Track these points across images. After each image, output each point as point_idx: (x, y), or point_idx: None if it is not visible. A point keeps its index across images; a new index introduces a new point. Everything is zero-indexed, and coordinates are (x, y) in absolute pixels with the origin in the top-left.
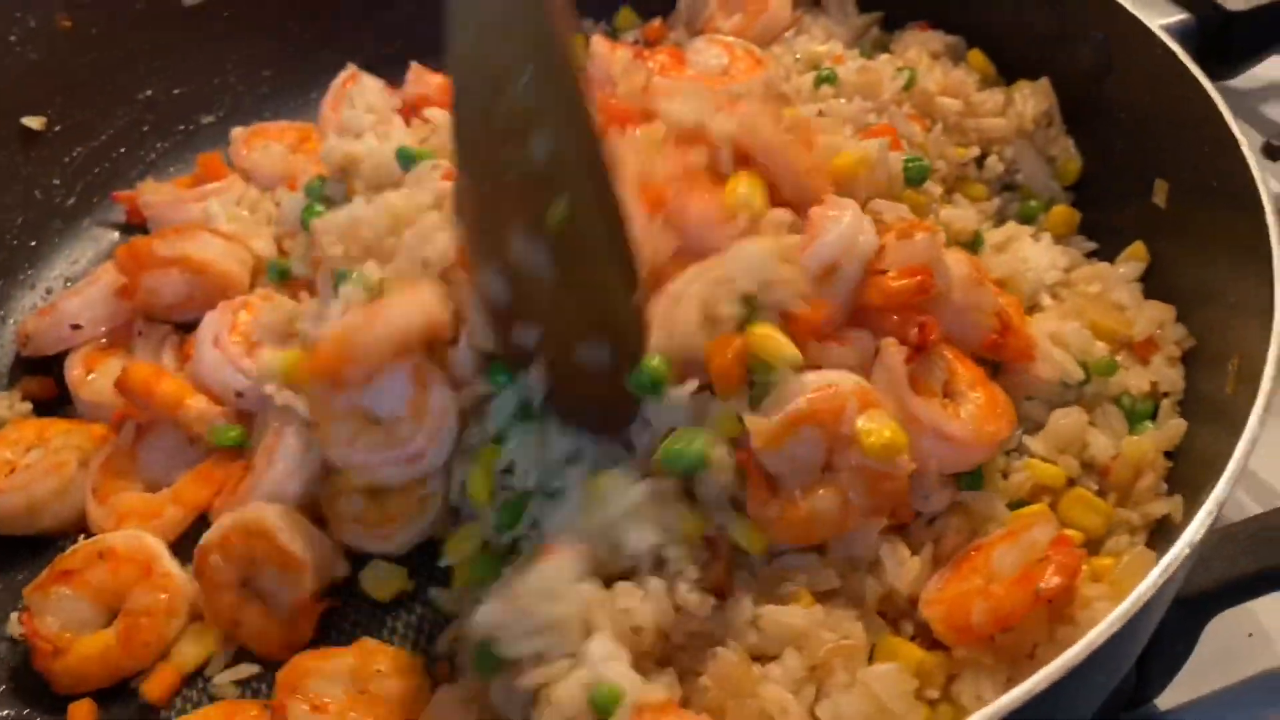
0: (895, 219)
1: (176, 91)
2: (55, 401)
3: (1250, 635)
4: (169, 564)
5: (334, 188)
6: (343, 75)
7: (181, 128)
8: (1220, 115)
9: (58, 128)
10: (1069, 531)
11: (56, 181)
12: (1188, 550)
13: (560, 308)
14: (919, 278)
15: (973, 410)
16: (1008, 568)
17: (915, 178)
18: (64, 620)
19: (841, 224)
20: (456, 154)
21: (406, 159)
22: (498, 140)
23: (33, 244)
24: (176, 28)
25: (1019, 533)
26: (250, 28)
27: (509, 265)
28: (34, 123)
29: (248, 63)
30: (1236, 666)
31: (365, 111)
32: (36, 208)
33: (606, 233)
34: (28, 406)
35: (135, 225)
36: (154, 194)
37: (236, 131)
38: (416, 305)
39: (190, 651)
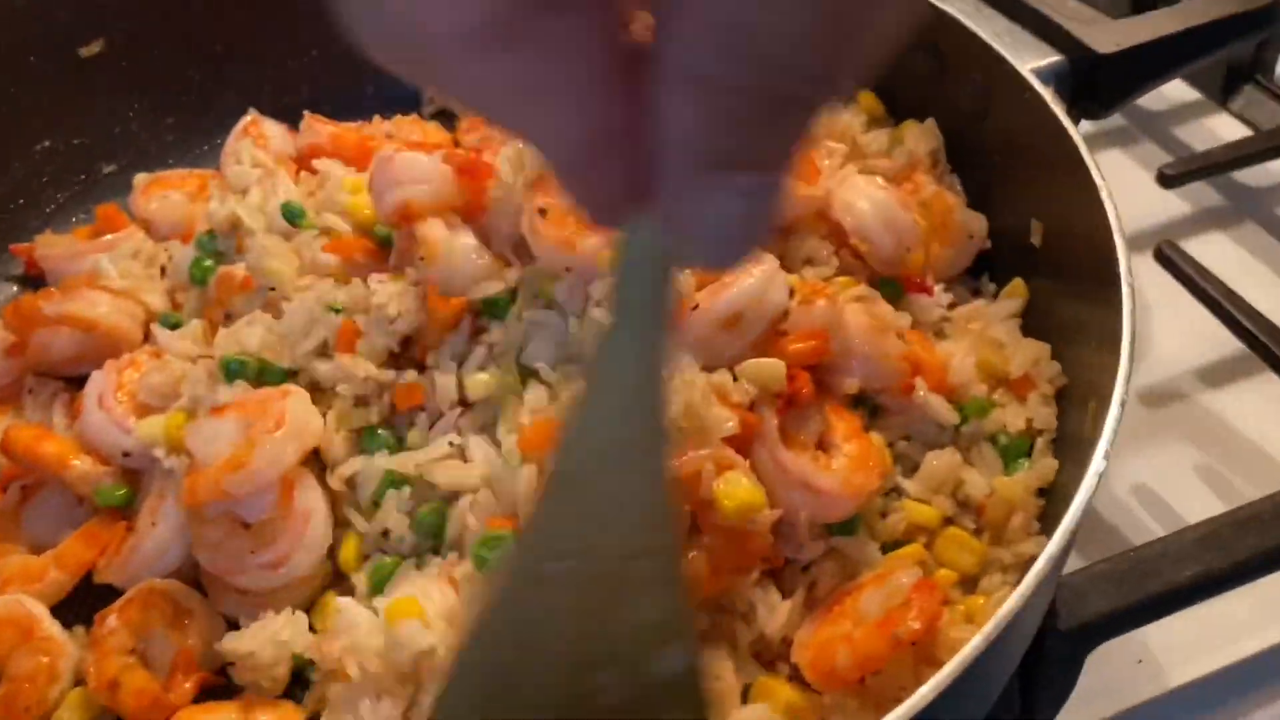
0: (798, 282)
1: (76, 142)
2: None
3: (1140, 662)
4: (50, 627)
5: (224, 242)
6: (244, 120)
7: (82, 177)
8: (1082, 157)
9: None
10: (943, 572)
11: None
12: (1030, 591)
13: None
14: (815, 343)
15: (844, 463)
16: (874, 611)
17: None
18: None
19: (753, 277)
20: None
21: (291, 214)
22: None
23: None
24: (73, 78)
25: (886, 576)
26: (151, 76)
27: None
28: None
29: (149, 111)
30: (1125, 694)
31: (251, 166)
32: None
33: None
34: None
35: (34, 278)
36: (50, 247)
37: (138, 180)
38: (293, 437)
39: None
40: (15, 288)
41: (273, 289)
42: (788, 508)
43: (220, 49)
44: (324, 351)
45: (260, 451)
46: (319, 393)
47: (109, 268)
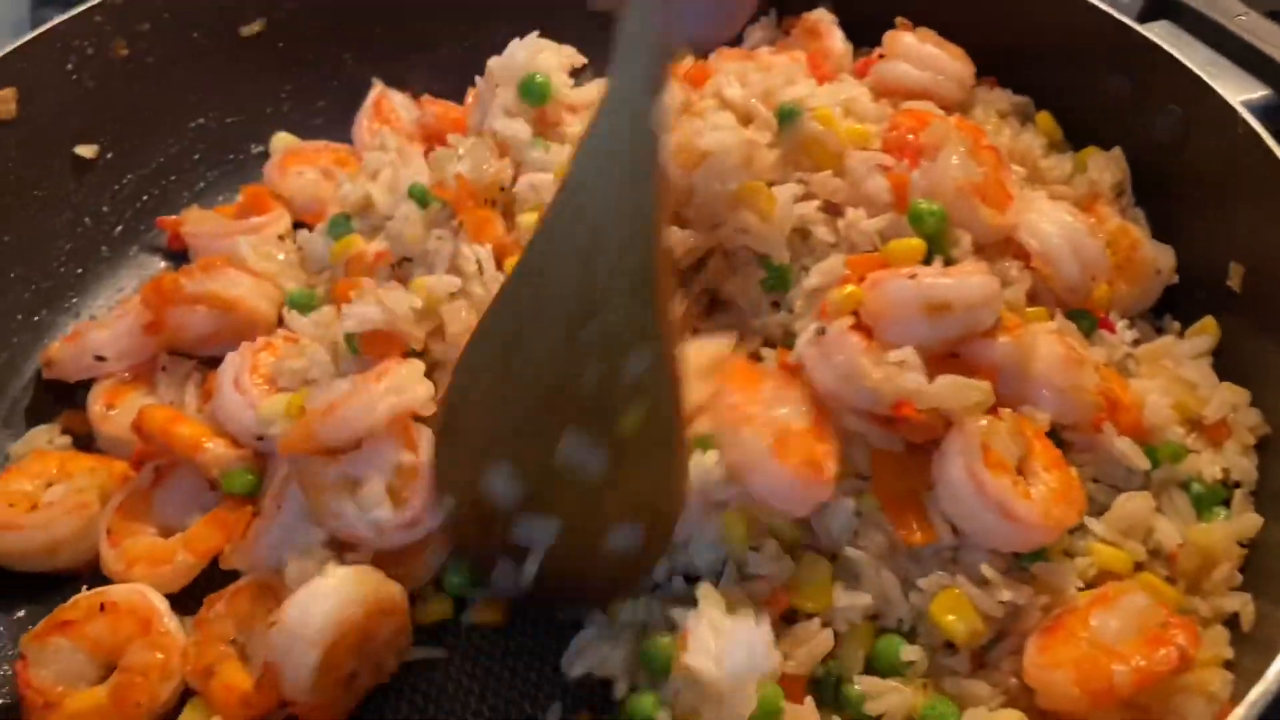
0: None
1: (229, 120)
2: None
3: None
4: (169, 623)
5: (357, 223)
6: (373, 94)
7: (232, 156)
8: None
9: (109, 155)
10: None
11: (105, 209)
12: None
13: (598, 501)
14: (986, 382)
15: (1043, 492)
16: (1113, 633)
17: None
18: (58, 672)
19: (977, 281)
20: (484, 350)
21: (420, 197)
22: (580, 354)
23: (79, 271)
24: (231, 57)
25: (1113, 599)
26: (306, 58)
27: (536, 464)
28: (86, 151)
29: (301, 92)
30: None
31: (384, 150)
32: (84, 235)
33: (672, 434)
34: (67, 440)
35: (178, 253)
36: (197, 223)
37: (275, 143)
38: (391, 391)
39: None
40: (163, 263)
41: (409, 259)
42: (972, 531)
43: (378, 32)
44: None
45: (353, 400)
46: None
47: (247, 251)
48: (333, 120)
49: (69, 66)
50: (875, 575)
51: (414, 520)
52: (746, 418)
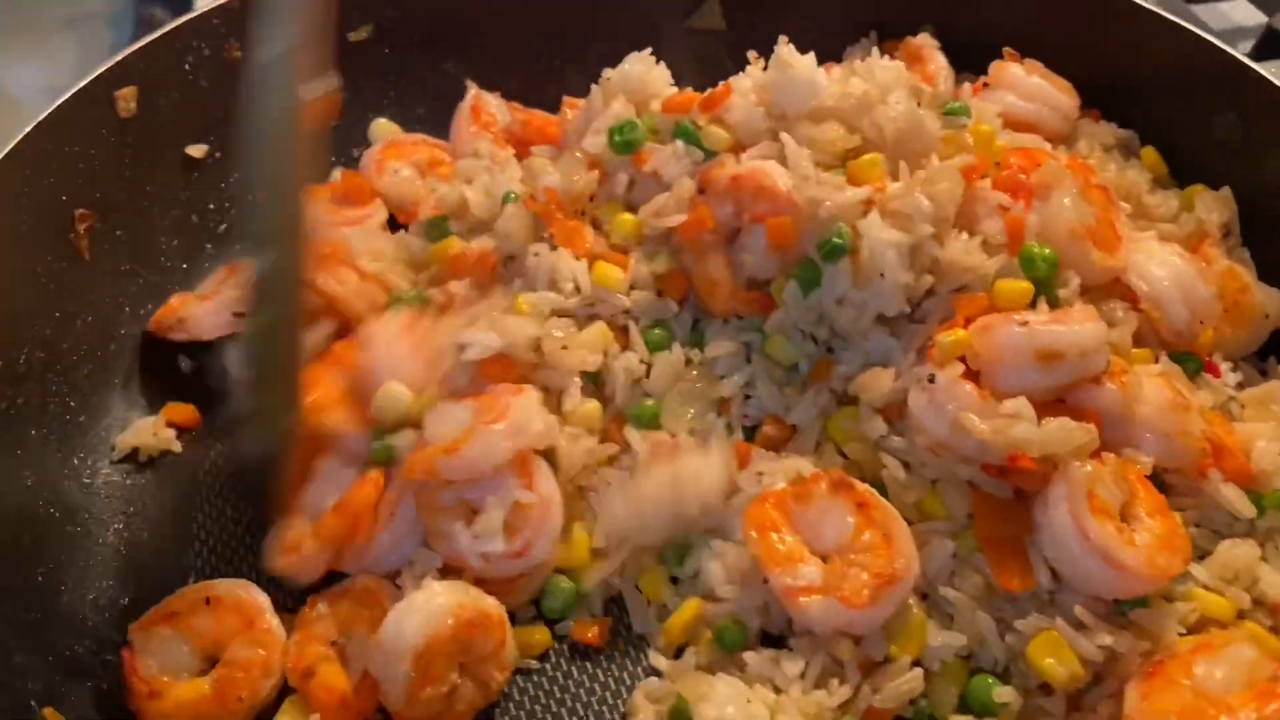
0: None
1: (333, 124)
2: (197, 430)
3: None
4: (271, 620)
5: (453, 225)
6: (470, 96)
7: (334, 159)
8: None
9: (217, 154)
10: None
11: (211, 207)
12: None
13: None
14: (1092, 425)
15: (1148, 539)
16: (1219, 683)
17: None
18: (163, 662)
19: (1089, 329)
20: None
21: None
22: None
23: (184, 266)
24: (337, 62)
25: (1218, 648)
26: (407, 65)
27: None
28: (196, 151)
29: (402, 98)
30: None
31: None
32: (191, 232)
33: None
34: (171, 433)
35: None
36: None
37: (374, 133)
38: (512, 434)
39: None
40: None
41: (513, 258)
42: (1074, 577)
43: (477, 42)
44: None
45: (476, 441)
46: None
47: (358, 245)
48: (431, 126)
49: (186, 67)
50: (970, 616)
51: (524, 553)
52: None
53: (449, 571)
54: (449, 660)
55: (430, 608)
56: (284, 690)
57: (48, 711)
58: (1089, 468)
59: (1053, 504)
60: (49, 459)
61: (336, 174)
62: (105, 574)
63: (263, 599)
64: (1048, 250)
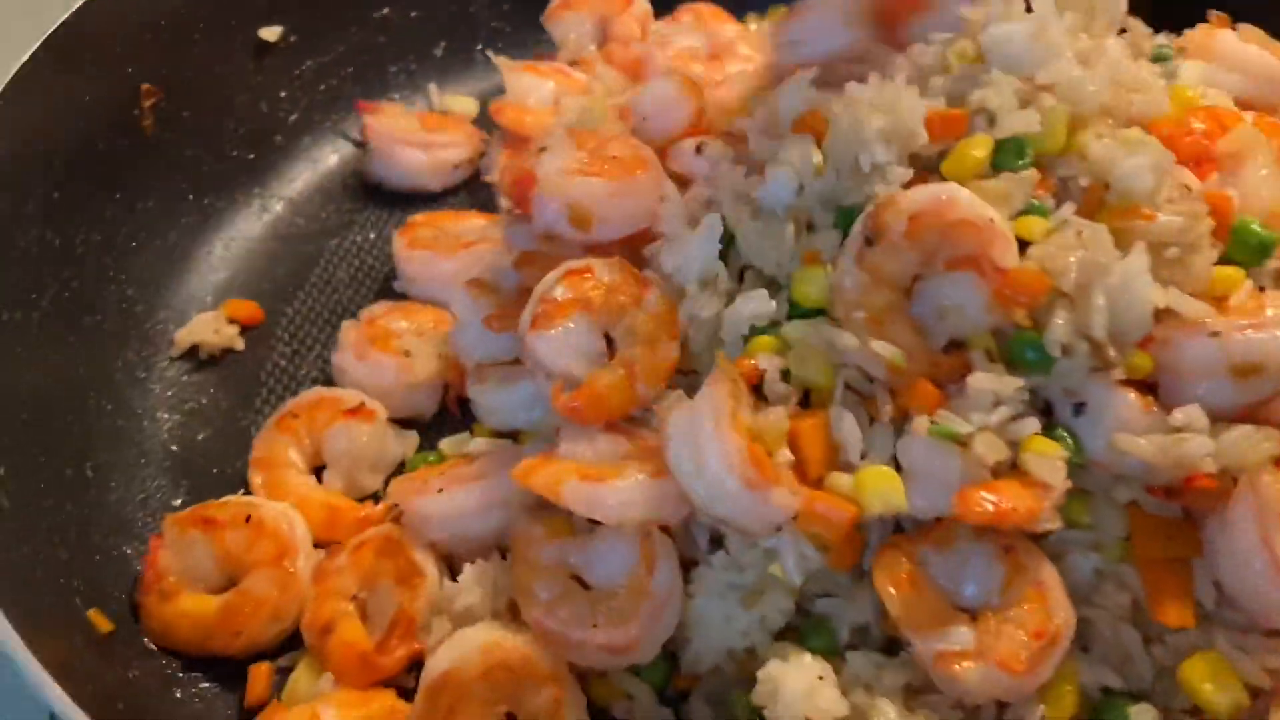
0: None
1: (413, 14)
2: (260, 328)
3: None
4: (301, 562)
5: None
6: None
7: (412, 55)
8: None
9: (292, 39)
10: None
11: (283, 94)
12: None
13: None
14: (1275, 430)
15: None
16: None
17: None
18: (186, 565)
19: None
20: None
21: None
22: None
23: (250, 156)
24: None
25: None
26: None
27: None
28: (269, 34)
29: None
30: None
31: None
32: (259, 119)
33: None
34: (233, 330)
35: (357, 144)
36: (384, 119)
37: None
38: (665, 499)
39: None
40: (335, 157)
41: None
42: (1256, 609)
43: None
44: None
45: (619, 485)
46: None
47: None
48: (518, 26)
49: None
50: (1113, 634)
51: (627, 646)
52: None
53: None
54: (484, 705)
55: (459, 641)
56: (294, 639)
57: (92, 613)
58: (1278, 479)
59: (1236, 525)
60: (103, 348)
61: None
62: (156, 473)
63: (302, 536)
64: (1270, 233)
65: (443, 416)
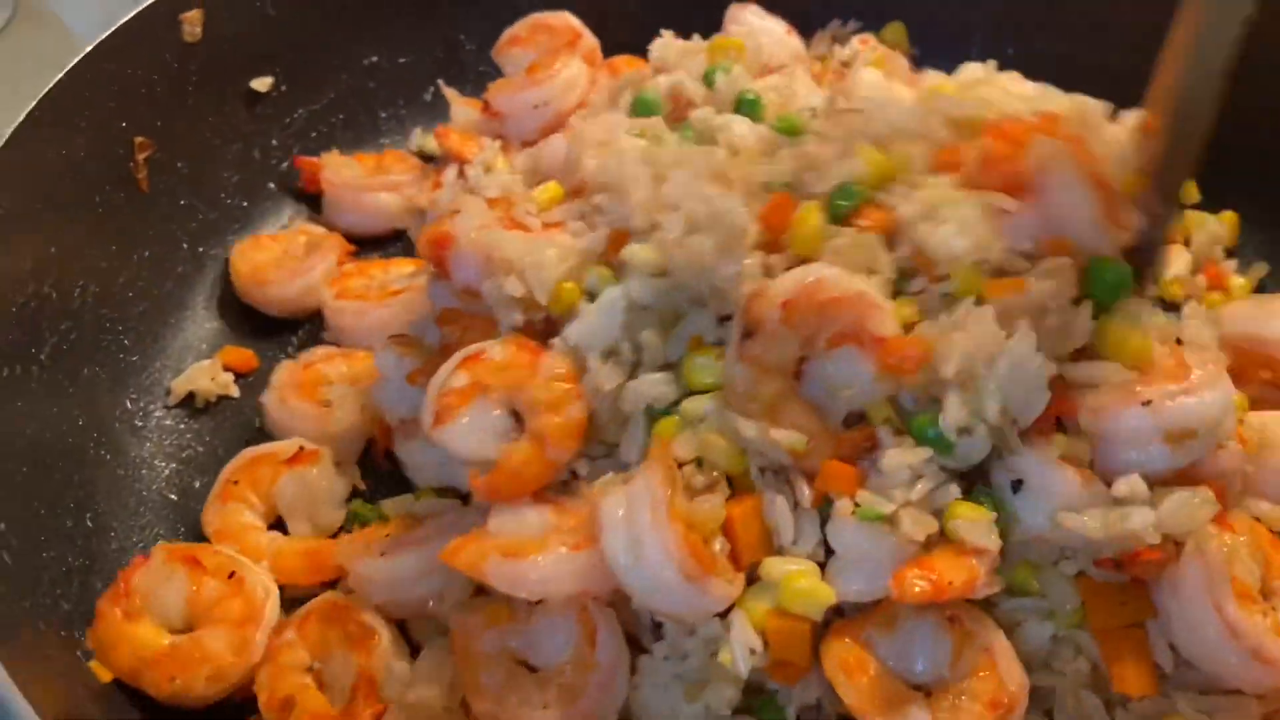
0: None
1: (401, 60)
2: (255, 376)
3: None
4: (259, 636)
5: None
6: None
7: (402, 100)
8: None
9: (283, 88)
10: None
11: (275, 143)
12: None
13: None
14: (1210, 491)
15: None
16: None
17: None
18: (155, 595)
19: (1219, 394)
20: None
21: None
22: None
23: (244, 204)
24: None
25: None
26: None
27: None
28: (260, 85)
29: (484, 34)
30: None
31: None
32: (253, 167)
33: None
34: (229, 378)
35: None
36: (335, 170)
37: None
38: (587, 570)
39: None
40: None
41: None
42: (1215, 673)
43: None
44: None
45: (542, 559)
46: None
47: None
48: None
49: None
50: (1074, 700)
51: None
52: None
53: None
54: None
55: None
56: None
57: (94, 665)
58: (1224, 542)
59: (1186, 592)
60: (101, 398)
61: None
62: (155, 521)
63: (271, 611)
64: (1116, 267)
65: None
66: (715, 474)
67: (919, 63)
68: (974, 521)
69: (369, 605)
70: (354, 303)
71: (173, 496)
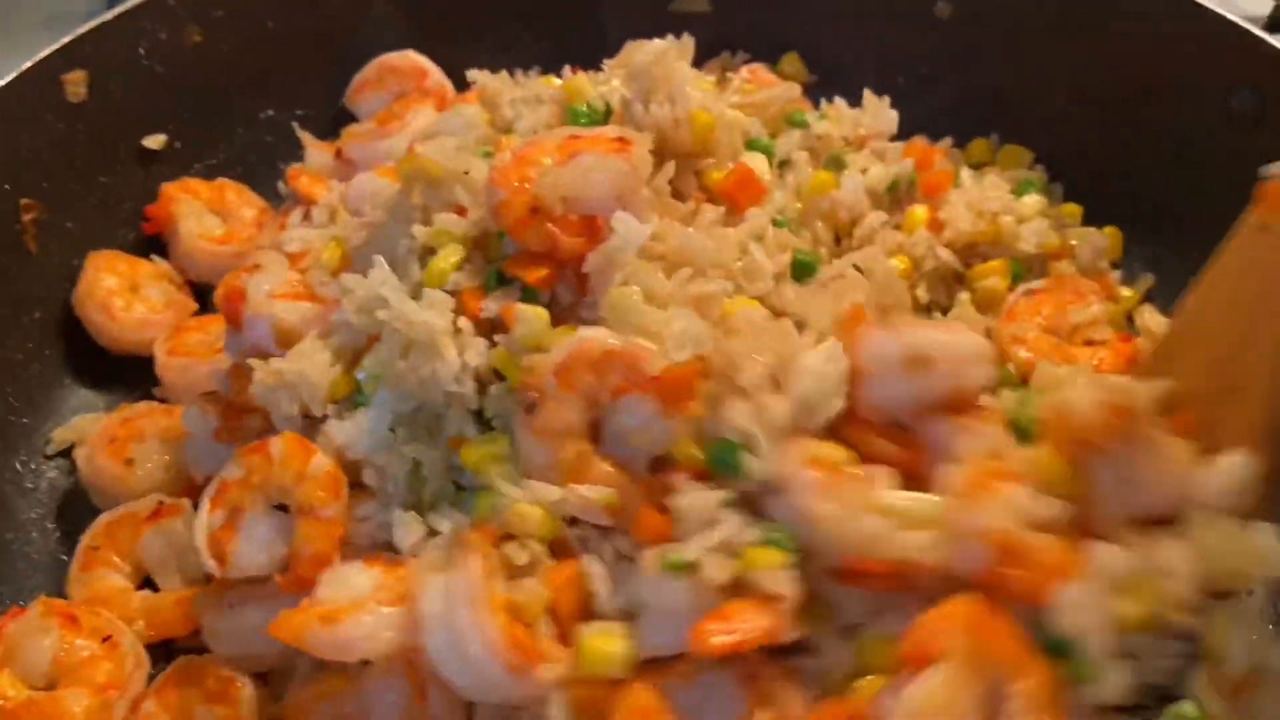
0: None
1: (300, 113)
2: None
3: None
4: (119, 709)
5: None
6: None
7: (300, 153)
8: None
9: (177, 145)
10: None
11: None
12: None
13: None
14: None
15: None
16: None
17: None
18: (23, 646)
19: (961, 336)
20: None
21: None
22: None
23: None
24: (307, 48)
25: None
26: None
27: None
28: (154, 143)
29: None
30: None
31: None
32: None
33: None
34: None
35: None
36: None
37: None
38: (401, 627)
39: None
40: None
41: None
42: None
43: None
44: None
45: (360, 619)
46: None
47: None
48: None
49: (141, 51)
50: None
51: None
52: None
53: None
54: None
55: None
56: None
57: None
58: None
59: None
60: None
61: None
62: (46, 583)
63: (136, 684)
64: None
65: None
66: (535, 548)
67: (814, 91)
68: (769, 569)
69: (225, 658)
70: (180, 359)
71: (63, 558)
